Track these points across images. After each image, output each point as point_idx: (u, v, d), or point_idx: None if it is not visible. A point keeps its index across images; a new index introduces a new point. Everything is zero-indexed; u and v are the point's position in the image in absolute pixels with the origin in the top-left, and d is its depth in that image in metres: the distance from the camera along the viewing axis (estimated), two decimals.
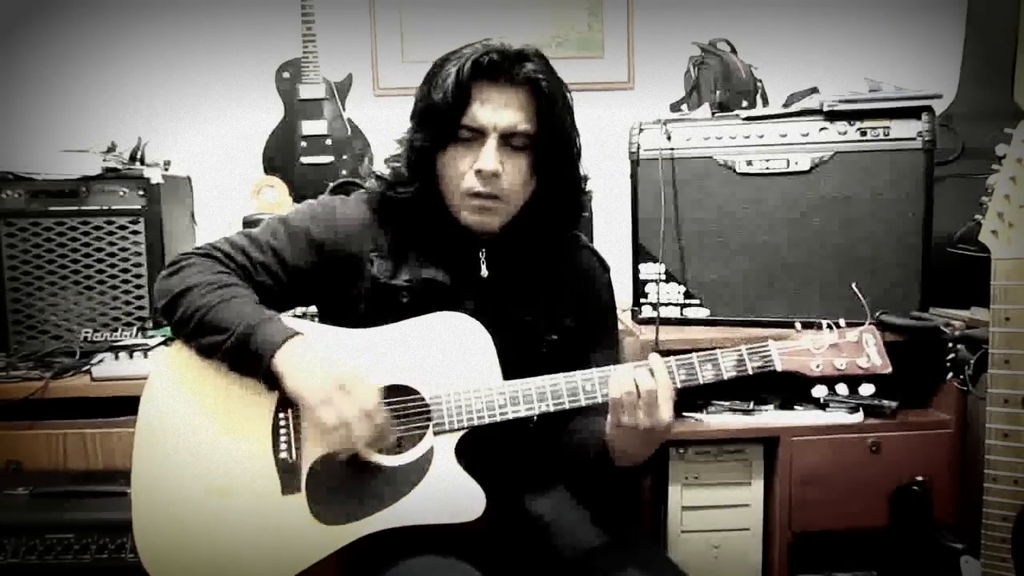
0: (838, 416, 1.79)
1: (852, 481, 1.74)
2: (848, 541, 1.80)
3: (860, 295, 1.25)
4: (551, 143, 1.24)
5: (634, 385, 1.11)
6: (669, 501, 1.83)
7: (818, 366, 1.18)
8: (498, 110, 1.20)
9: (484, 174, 1.20)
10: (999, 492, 1.33)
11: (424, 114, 1.24)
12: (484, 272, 1.30)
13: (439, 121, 1.21)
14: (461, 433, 1.19)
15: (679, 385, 1.16)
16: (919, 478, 1.58)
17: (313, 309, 1.54)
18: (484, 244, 1.30)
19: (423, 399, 1.20)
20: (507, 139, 1.21)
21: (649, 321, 1.87)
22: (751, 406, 1.83)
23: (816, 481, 1.75)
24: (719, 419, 1.81)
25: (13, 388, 1.68)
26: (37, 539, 1.48)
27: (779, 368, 1.18)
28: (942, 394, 1.78)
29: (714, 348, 1.20)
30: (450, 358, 1.21)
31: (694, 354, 1.18)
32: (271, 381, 1.17)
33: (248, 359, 1.17)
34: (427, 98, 1.23)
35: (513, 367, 1.21)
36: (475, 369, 1.21)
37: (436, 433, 1.19)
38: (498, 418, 1.18)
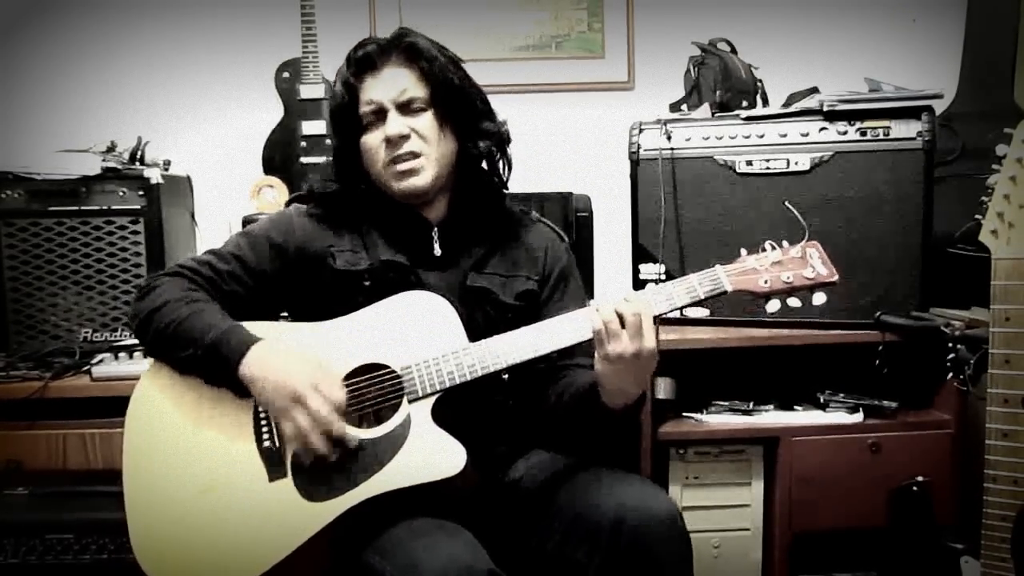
0: (838, 416, 1.79)
1: (852, 481, 1.74)
2: (848, 541, 1.80)
3: (797, 213, 1.30)
4: (447, 96, 1.35)
5: (615, 312, 1.15)
6: None
7: (766, 282, 1.22)
8: (386, 86, 1.33)
9: (392, 139, 1.32)
10: (999, 492, 1.33)
11: (334, 123, 1.41)
12: (437, 251, 1.39)
13: (345, 122, 1.36)
14: (435, 397, 1.23)
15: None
16: (919, 478, 1.58)
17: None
18: (435, 225, 1.39)
19: (394, 372, 1.24)
20: (406, 108, 1.33)
21: None
22: (751, 406, 1.83)
23: (816, 481, 1.75)
24: (719, 419, 1.81)
25: (13, 388, 1.67)
26: (37, 539, 1.49)
27: (729, 289, 1.23)
28: (942, 394, 1.79)
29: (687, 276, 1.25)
30: (415, 331, 1.26)
31: (648, 288, 1.24)
32: (240, 389, 1.22)
33: (217, 368, 1.22)
34: (331, 109, 1.40)
35: (482, 337, 1.26)
36: (441, 337, 1.26)
37: (411, 401, 1.23)
38: (468, 377, 1.22)
